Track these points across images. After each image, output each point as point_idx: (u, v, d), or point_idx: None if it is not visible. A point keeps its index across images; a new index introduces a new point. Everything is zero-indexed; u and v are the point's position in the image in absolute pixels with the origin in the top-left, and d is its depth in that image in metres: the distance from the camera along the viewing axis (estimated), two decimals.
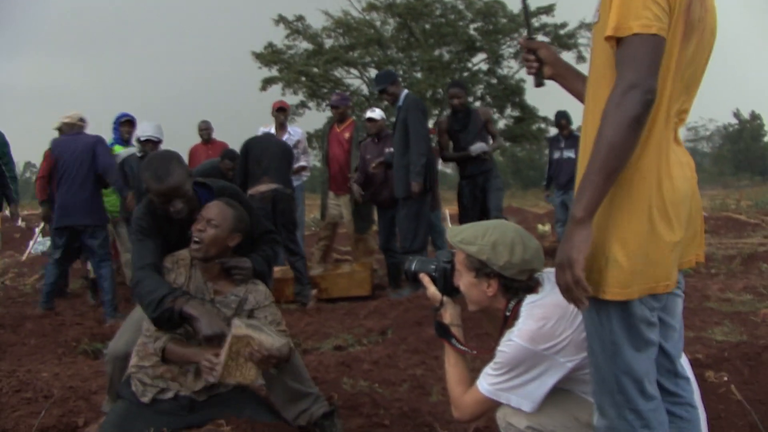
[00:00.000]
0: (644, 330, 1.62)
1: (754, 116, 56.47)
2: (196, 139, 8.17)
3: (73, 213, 5.58)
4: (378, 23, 28.78)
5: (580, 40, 27.78)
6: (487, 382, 1.98)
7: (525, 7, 2.25)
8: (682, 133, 1.74)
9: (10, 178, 6.33)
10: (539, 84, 2.10)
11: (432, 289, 2.25)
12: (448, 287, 2.21)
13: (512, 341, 1.90)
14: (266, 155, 5.83)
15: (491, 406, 2.01)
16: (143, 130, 5.99)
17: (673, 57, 1.56)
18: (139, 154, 5.92)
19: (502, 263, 1.98)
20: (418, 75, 28.40)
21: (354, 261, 7.27)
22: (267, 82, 28.13)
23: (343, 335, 4.75)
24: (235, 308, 2.69)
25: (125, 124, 6.66)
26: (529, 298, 1.98)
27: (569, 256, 1.52)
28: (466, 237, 2.04)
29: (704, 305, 5.13)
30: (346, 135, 6.84)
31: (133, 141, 6.12)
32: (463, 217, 6.42)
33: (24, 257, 9.36)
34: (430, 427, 2.96)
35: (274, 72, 28.34)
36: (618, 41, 1.51)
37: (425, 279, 2.27)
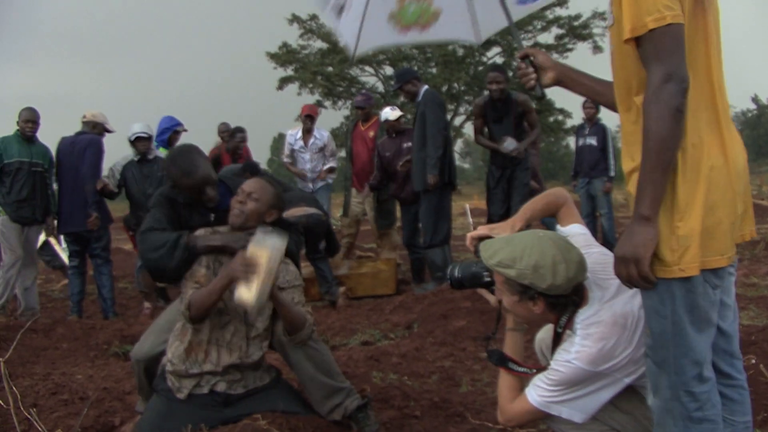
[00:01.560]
0: (706, 309, 1.60)
1: None
2: (216, 142, 8.19)
3: (78, 219, 5.63)
4: None
5: (595, 30, 27.61)
6: (537, 394, 1.90)
7: (509, 18, 2.30)
8: None
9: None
10: (542, 96, 2.08)
11: (493, 299, 2.08)
12: None
13: (571, 363, 1.82)
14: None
15: (539, 416, 1.95)
16: (131, 130, 5.84)
17: (709, 29, 1.59)
18: (136, 158, 5.83)
19: (546, 286, 1.83)
20: (433, 70, 28.34)
21: (378, 257, 7.29)
22: (283, 81, 28.25)
23: (370, 330, 4.78)
24: None
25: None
26: (583, 314, 1.88)
27: (635, 254, 1.53)
28: (503, 259, 1.87)
29: None
30: (371, 133, 6.84)
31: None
32: (489, 198, 6.30)
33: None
34: (462, 417, 2.97)
35: (290, 72, 28.44)
36: (637, 40, 1.53)
37: (483, 291, 2.17)
